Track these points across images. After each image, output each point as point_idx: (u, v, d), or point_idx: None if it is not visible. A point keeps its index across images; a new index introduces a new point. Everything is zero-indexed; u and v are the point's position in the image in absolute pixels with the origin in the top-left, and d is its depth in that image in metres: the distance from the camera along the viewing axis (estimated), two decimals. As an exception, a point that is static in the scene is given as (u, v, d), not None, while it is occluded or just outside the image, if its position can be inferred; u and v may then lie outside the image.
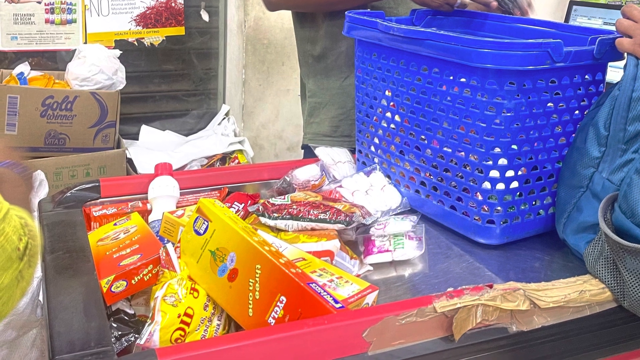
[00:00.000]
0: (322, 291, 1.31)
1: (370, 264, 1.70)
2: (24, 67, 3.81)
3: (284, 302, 1.30)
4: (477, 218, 1.73)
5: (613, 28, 1.63)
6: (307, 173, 2.00)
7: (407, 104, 1.82)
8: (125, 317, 1.50)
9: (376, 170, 2.00)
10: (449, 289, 1.40)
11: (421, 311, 1.34)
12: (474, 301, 1.37)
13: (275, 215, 1.69)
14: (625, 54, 1.60)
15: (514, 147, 1.66)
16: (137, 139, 4.44)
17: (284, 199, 1.76)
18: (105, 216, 1.83)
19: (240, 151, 4.42)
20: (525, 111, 1.64)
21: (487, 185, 1.68)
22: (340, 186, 1.94)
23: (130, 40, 4.27)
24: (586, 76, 1.71)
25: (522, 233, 1.79)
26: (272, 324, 1.31)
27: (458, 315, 1.36)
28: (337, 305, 1.30)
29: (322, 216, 1.66)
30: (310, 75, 2.48)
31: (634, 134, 1.54)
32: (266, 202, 1.74)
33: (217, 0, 4.59)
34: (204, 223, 1.47)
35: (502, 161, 1.66)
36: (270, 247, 1.39)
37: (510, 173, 1.66)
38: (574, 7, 2.88)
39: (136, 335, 1.43)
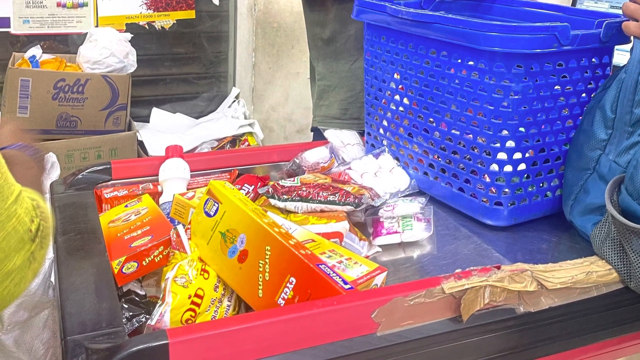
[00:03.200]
0: (331, 272, 1.32)
1: (379, 246, 1.71)
2: (35, 50, 3.82)
3: (293, 283, 1.31)
4: (485, 200, 1.74)
5: (619, 11, 1.63)
6: (316, 155, 2.02)
7: (416, 87, 1.83)
8: (136, 298, 1.52)
9: (385, 152, 2.01)
10: (457, 270, 1.41)
11: (429, 292, 1.35)
12: (481, 282, 1.38)
13: (285, 197, 1.70)
14: (632, 37, 1.61)
15: (522, 129, 1.67)
16: (148, 122, 4.46)
17: (294, 181, 1.77)
18: (116, 198, 1.84)
19: (250, 134, 4.43)
20: (533, 94, 1.64)
21: (494, 167, 1.69)
22: (349, 168, 1.95)
23: (141, 23, 4.29)
24: (593, 59, 1.72)
25: (530, 215, 1.80)
26: (281, 305, 1.32)
27: (466, 296, 1.37)
28: (346, 287, 1.31)
29: (331, 198, 1.67)
30: (320, 59, 2.49)
31: (640, 117, 1.54)
32: (276, 184, 1.75)
33: (227, -16, 4.60)
34: (214, 205, 1.48)
35: (510, 143, 1.67)
36: (280, 229, 1.40)
37: (517, 155, 1.67)
38: (582, -10, 2.88)
39: (147, 316, 1.45)
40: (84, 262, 1.51)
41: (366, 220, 1.77)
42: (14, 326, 1.66)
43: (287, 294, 1.31)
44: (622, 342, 1.63)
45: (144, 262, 1.52)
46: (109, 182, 1.92)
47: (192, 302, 1.39)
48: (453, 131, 1.78)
